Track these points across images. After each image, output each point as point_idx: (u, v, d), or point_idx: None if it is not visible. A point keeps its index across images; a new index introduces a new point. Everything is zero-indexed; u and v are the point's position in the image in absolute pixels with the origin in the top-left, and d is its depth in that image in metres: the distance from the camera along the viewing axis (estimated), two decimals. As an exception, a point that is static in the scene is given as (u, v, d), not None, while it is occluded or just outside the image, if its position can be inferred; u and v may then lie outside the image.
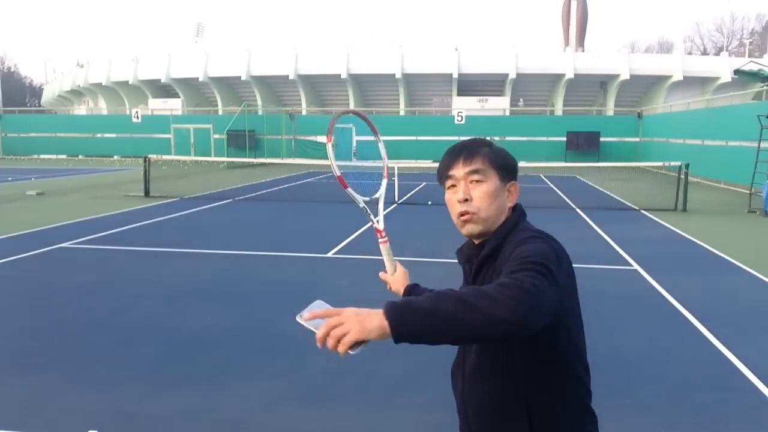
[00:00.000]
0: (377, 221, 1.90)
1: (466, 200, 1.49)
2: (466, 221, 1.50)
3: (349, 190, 1.95)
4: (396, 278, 1.87)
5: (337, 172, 1.91)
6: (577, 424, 1.55)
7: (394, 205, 13.43)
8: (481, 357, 1.49)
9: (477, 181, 1.50)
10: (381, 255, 1.88)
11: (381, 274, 1.90)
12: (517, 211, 1.55)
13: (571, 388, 1.50)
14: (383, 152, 2.04)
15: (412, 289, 1.82)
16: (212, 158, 24.80)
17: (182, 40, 73.86)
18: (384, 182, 2.00)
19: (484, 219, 1.49)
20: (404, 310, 1.14)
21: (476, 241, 1.55)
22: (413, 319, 1.13)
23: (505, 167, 1.53)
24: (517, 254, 1.34)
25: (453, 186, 1.54)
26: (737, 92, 23.57)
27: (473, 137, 1.63)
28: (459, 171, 1.51)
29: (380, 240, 1.86)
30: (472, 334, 1.14)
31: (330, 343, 1.18)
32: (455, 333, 1.13)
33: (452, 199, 1.53)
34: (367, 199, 1.98)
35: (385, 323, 1.13)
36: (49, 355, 4.54)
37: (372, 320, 1.15)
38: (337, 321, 1.19)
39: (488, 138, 1.66)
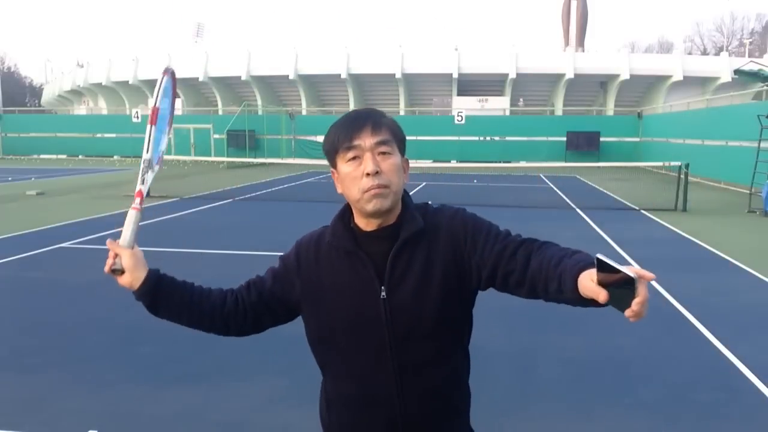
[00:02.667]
0: (143, 180, 1.56)
1: (377, 173, 1.33)
2: (376, 195, 1.33)
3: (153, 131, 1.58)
4: (134, 255, 1.45)
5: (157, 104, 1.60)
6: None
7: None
8: (436, 341, 1.42)
9: (385, 153, 1.36)
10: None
11: (111, 242, 1.44)
12: (405, 191, 1.46)
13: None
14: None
15: (161, 277, 1.53)
16: (212, 158, 24.80)
17: (182, 40, 74.02)
18: (165, 139, 1.65)
19: (395, 193, 1.37)
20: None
21: (375, 223, 1.40)
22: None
23: (403, 141, 1.44)
24: (494, 233, 1.40)
25: (355, 158, 1.36)
26: (737, 92, 23.58)
27: (364, 108, 1.51)
28: (366, 141, 1.35)
29: (134, 205, 1.49)
30: None
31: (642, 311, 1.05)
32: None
33: (354, 172, 1.35)
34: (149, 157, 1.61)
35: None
36: (49, 354, 4.54)
37: None
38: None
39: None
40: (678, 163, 13.47)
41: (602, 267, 1.08)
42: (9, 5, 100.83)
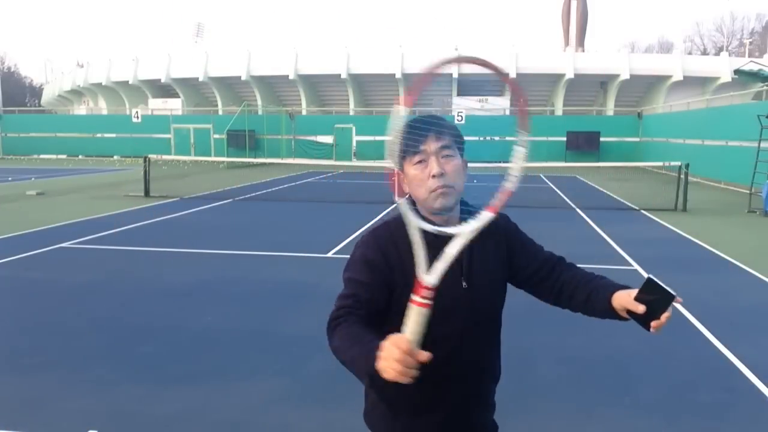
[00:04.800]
0: (429, 272, 1.31)
1: (442, 174, 1.48)
2: (442, 194, 1.48)
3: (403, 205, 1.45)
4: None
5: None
6: None
7: (394, 205, 13.41)
8: (495, 325, 1.66)
9: (448, 156, 1.50)
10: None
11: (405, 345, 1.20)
12: None
13: None
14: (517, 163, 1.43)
15: None
16: (212, 158, 24.79)
17: (182, 40, 73.98)
18: (485, 215, 1.39)
19: (458, 192, 1.52)
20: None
21: (442, 219, 1.52)
22: None
23: (462, 143, 1.57)
24: (535, 243, 1.71)
25: (422, 161, 1.49)
26: (737, 92, 23.57)
27: (428, 113, 1.61)
28: (431, 146, 1.49)
29: (422, 301, 1.27)
30: None
31: None
32: None
33: (421, 174, 1.49)
34: (446, 231, 1.39)
35: None
36: (49, 354, 4.54)
37: None
38: None
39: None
40: (678, 163, 13.47)
41: (648, 287, 1.42)
42: (9, 5, 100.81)
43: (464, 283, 1.55)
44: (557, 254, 1.71)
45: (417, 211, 1.53)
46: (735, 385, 4.07)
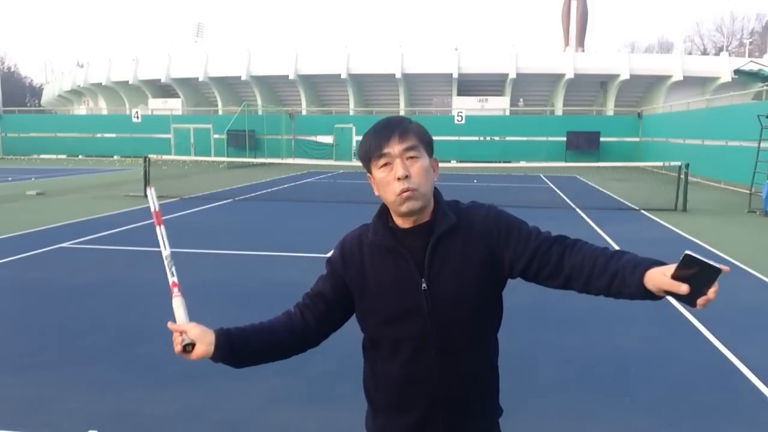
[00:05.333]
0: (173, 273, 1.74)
1: (407, 177, 1.46)
2: (407, 198, 1.47)
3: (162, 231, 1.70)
4: (197, 326, 1.60)
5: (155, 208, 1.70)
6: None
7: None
8: (472, 328, 1.57)
9: (413, 158, 1.49)
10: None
11: (171, 324, 1.66)
12: (437, 190, 1.59)
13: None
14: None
15: (229, 334, 1.57)
16: (212, 158, 24.80)
17: (182, 40, 74.04)
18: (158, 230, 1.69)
19: (424, 194, 1.49)
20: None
21: (410, 221, 1.53)
22: None
23: (430, 143, 1.56)
24: (525, 230, 1.55)
25: (387, 164, 1.49)
26: (737, 92, 23.57)
27: (391, 116, 1.65)
28: (395, 148, 1.48)
29: (175, 294, 1.70)
30: None
31: None
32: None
33: (387, 177, 1.49)
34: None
35: None
36: (49, 354, 4.54)
37: None
38: None
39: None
40: (678, 163, 13.47)
41: (688, 262, 1.29)
42: (9, 5, 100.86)
43: (424, 284, 1.50)
44: (555, 234, 1.58)
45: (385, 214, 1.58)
46: (735, 385, 4.07)
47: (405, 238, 1.53)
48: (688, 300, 1.33)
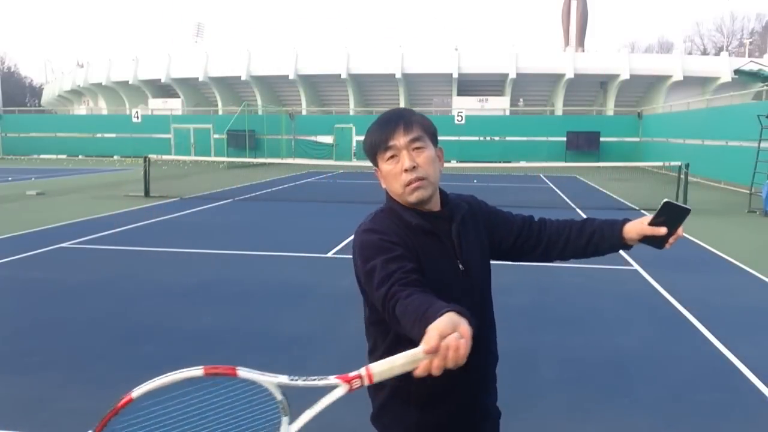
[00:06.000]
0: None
1: (414, 167, 1.49)
2: (417, 188, 1.50)
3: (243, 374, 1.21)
4: None
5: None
6: None
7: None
8: (490, 304, 1.68)
9: (419, 149, 1.52)
10: None
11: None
12: None
13: None
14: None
15: None
16: (212, 158, 24.79)
17: (182, 40, 74.04)
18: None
19: (433, 183, 1.53)
20: None
21: (424, 208, 1.55)
22: None
23: (435, 134, 1.59)
24: (505, 213, 1.74)
25: (393, 156, 1.51)
26: (737, 92, 23.58)
27: (394, 108, 1.64)
28: (400, 140, 1.50)
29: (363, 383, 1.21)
30: None
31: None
32: None
33: (394, 169, 1.51)
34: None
35: None
36: (49, 354, 4.54)
37: None
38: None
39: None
40: (678, 163, 13.48)
41: (664, 210, 1.53)
42: (9, 5, 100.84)
43: (461, 266, 1.55)
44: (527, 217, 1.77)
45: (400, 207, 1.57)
46: (735, 385, 4.07)
47: (435, 222, 1.57)
48: (660, 242, 1.57)
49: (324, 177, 22.25)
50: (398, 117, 1.53)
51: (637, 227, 1.60)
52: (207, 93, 41.21)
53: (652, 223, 1.56)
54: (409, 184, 1.50)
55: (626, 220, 1.65)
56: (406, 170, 1.49)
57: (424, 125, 1.55)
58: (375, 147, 1.54)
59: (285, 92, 39.37)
